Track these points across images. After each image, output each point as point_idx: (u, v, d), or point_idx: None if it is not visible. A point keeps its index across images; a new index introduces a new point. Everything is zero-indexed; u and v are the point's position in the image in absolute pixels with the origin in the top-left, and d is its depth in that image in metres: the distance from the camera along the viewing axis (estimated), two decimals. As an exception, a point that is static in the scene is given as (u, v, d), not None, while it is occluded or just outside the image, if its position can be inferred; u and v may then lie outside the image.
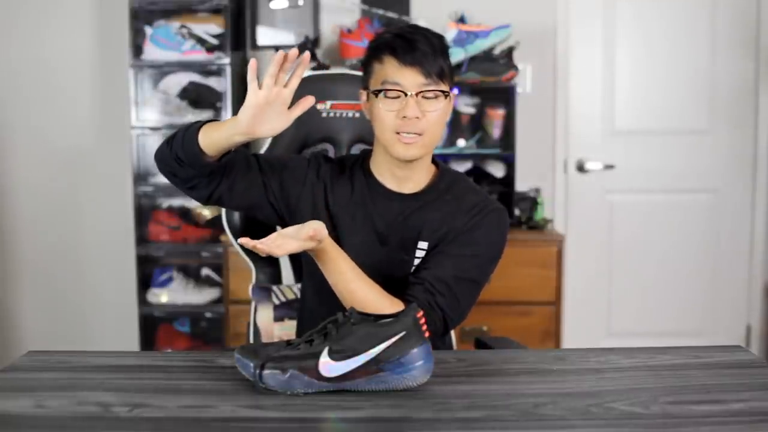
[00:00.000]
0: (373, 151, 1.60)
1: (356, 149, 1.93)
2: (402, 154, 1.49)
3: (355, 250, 1.51)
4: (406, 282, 1.52)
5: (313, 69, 3.00)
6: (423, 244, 1.55)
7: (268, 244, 1.34)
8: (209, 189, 1.50)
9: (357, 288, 1.45)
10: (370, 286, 1.46)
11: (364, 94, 1.56)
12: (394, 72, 1.47)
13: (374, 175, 1.58)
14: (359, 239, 1.55)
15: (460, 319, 1.53)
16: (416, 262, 1.55)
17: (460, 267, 1.51)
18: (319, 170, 1.59)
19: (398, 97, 1.47)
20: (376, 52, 1.51)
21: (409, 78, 1.46)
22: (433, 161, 1.61)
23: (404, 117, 1.46)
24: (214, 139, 1.41)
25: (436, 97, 1.48)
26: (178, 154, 1.44)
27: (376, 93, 1.48)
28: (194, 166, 1.45)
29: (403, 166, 1.54)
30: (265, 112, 1.36)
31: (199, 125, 1.43)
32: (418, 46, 1.46)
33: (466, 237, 1.53)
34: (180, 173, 1.48)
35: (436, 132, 1.50)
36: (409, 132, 1.47)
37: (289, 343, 1.22)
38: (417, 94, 1.46)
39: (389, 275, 1.53)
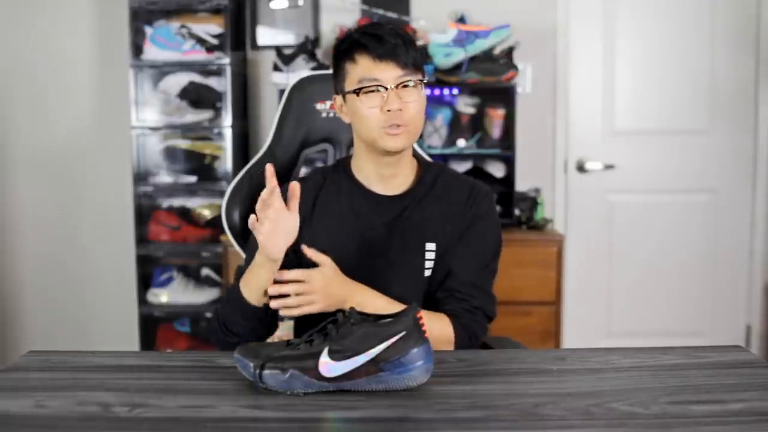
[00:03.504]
0: (354, 155, 1.60)
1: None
2: (391, 146, 1.49)
3: (361, 269, 1.51)
4: (424, 287, 1.54)
5: (313, 69, 3.01)
6: (431, 245, 1.55)
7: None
8: None
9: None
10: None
11: (338, 98, 1.55)
12: (371, 68, 1.47)
13: (360, 182, 1.58)
14: (361, 255, 1.54)
15: (495, 306, 1.57)
16: (428, 264, 1.55)
17: (478, 261, 1.55)
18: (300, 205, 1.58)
19: (378, 92, 1.47)
20: (346, 53, 1.50)
21: (387, 72, 1.47)
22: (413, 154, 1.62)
23: (388, 111, 1.46)
24: (252, 286, 1.45)
25: (415, 85, 1.48)
26: (238, 330, 1.48)
27: (357, 92, 1.48)
28: (253, 320, 1.48)
29: (388, 164, 1.54)
30: (277, 227, 1.38)
31: (235, 293, 1.47)
32: (388, 40, 1.46)
33: (472, 230, 1.56)
34: (246, 336, 1.48)
35: (419, 122, 1.51)
36: (394, 124, 1.47)
37: (289, 343, 1.22)
38: (396, 87, 1.47)
39: (404, 280, 1.54)
